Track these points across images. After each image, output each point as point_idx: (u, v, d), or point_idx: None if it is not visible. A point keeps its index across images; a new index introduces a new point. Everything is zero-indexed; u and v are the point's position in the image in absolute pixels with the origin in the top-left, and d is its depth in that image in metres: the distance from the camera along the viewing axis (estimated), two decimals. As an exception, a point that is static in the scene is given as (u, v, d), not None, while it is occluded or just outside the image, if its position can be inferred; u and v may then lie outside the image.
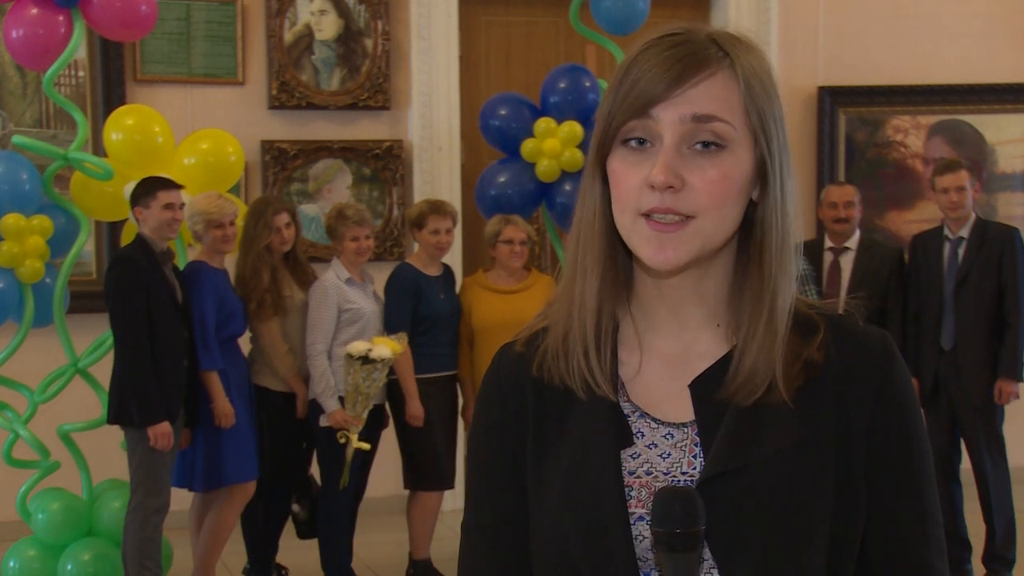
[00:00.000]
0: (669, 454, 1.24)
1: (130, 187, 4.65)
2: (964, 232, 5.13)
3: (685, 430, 1.25)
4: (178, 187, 4.61)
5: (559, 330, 1.29)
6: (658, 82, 1.18)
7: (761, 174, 1.23)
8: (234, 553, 5.30)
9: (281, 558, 5.23)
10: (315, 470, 5.18)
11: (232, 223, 4.82)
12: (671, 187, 1.17)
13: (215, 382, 4.72)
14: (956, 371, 5.11)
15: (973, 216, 5.16)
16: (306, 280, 5.11)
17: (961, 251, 5.12)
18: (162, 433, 4.42)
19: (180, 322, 4.59)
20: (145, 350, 4.44)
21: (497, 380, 1.32)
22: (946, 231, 5.18)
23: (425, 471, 5.14)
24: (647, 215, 1.19)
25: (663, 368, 1.28)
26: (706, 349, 1.27)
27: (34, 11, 4.65)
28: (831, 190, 5.53)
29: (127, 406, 4.46)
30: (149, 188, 4.54)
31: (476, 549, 1.32)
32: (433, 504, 5.21)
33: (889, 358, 1.26)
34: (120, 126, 4.95)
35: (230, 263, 4.99)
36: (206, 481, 4.79)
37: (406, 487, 5.25)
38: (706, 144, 1.19)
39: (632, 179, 1.20)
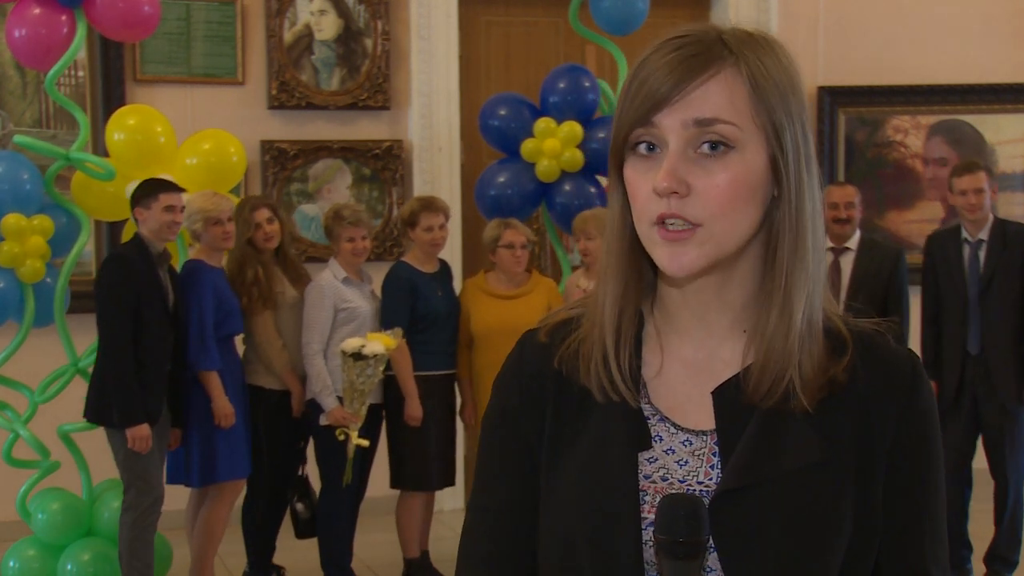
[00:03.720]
0: (686, 461, 1.22)
1: (132, 187, 4.66)
2: (983, 234, 5.06)
3: (704, 438, 1.23)
4: (180, 190, 4.61)
5: (583, 330, 1.28)
6: (659, 87, 1.16)
7: (776, 172, 1.19)
8: (234, 554, 5.30)
9: (280, 558, 5.23)
10: (312, 470, 5.18)
11: (230, 219, 4.84)
12: (675, 193, 1.15)
13: (214, 382, 4.73)
14: (985, 375, 5.04)
15: (991, 218, 5.09)
16: (297, 277, 5.12)
17: (982, 254, 5.05)
18: (140, 436, 4.41)
19: (168, 325, 4.58)
20: (128, 351, 4.43)
21: (519, 367, 1.31)
22: (964, 233, 5.10)
23: (408, 471, 5.10)
24: (659, 223, 1.17)
25: (686, 373, 1.25)
26: (731, 356, 1.24)
27: (37, 11, 4.65)
28: (832, 190, 5.51)
29: (107, 406, 4.46)
30: (151, 190, 4.55)
31: (479, 529, 1.31)
32: (415, 504, 5.16)
33: (916, 379, 1.24)
34: (122, 126, 4.95)
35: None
36: (200, 477, 4.80)
37: (391, 486, 5.21)
38: (713, 146, 1.15)
39: (643, 187, 1.18)
